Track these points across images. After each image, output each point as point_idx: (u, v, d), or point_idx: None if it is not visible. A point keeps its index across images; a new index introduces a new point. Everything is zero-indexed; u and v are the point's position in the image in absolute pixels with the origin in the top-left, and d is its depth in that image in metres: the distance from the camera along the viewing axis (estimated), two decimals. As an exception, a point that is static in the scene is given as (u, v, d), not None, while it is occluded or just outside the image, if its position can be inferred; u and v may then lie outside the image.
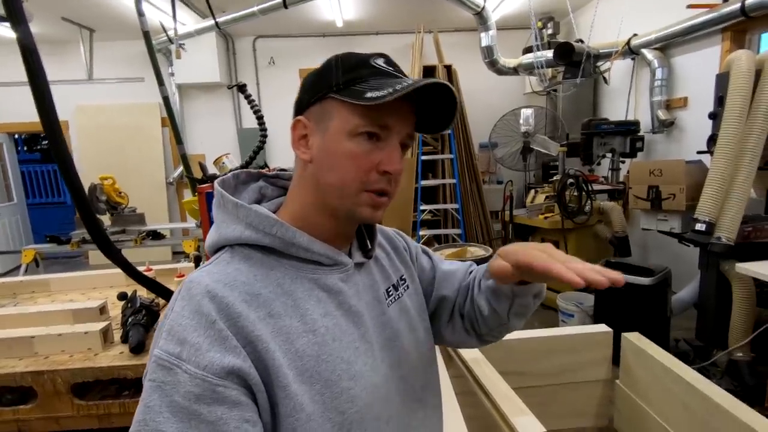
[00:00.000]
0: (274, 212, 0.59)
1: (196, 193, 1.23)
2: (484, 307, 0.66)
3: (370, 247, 0.65)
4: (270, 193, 0.64)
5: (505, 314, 0.64)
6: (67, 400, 1.22)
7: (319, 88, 0.54)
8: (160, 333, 0.48)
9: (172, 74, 4.89)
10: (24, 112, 4.87)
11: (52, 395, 1.21)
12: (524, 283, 0.60)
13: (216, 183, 0.58)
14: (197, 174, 1.29)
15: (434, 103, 0.57)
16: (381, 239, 0.70)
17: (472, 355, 1.52)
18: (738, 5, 2.64)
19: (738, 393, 1.31)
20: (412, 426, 0.63)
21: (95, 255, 4.97)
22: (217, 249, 0.57)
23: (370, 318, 0.60)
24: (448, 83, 0.53)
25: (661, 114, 3.44)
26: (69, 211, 6.55)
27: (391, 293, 0.65)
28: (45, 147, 7.58)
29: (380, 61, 0.55)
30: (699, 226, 2.09)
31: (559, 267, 0.46)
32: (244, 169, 0.63)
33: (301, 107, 0.57)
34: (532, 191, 3.96)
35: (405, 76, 0.56)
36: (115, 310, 1.56)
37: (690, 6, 3.07)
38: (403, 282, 0.68)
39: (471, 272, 0.75)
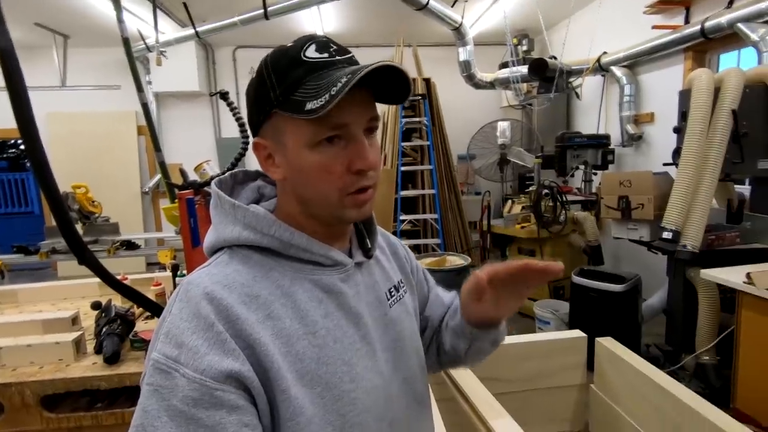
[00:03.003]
0: (272, 212, 0.57)
1: (176, 200, 1.22)
2: (446, 342, 0.71)
3: (370, 246, 0.63)
4: (268, 192, 0.62)
5: (462, 354, 0.69)
6: (36, 413, 1.18)
7: (262, 104, 0.51)
8: (158, 335, 0.47)
9: (150, 82, 4.82)
10: (-9, 119, 4.71)
11: (20, 408, 1.17)
12: (484, 328, 0.65)
13: (213, 183, 0.57)
14: (178, 181, 1.28)
15: (386, 76, 0.51)
16: (381, 241, 0.69)
17: (451, 361, 1.53)
18: (698, 27, 2.80)
19: (706, 395, 1.36)
20: (414, 428, 0.63)
21: (64, 266, 4.79)
22: (216, 250, 0.56)
23: (371, 319, 0.58)
24: (388, 62, 0.48)
25: (630, 128, 3.60)
26: (36, 221, 6.30)
27: (393, 294, 0.64)
28: (12, 155, 7.31)
29: (311, 51, 0.50)
30: (666, 235, 2.18)
31: (533, 262, 0.54)
32: (242, 169, 0.62)
33: (253, 127, 0.55)
34: (509, 201, 4.05)
35: (345, 55, 0.51)
36: (88, 320, 1.51)
37: (655, 27, 3.25)
38: (402, 285, 0.67)
39: (453, 304, 0.77)
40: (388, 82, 0.52)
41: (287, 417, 0.47)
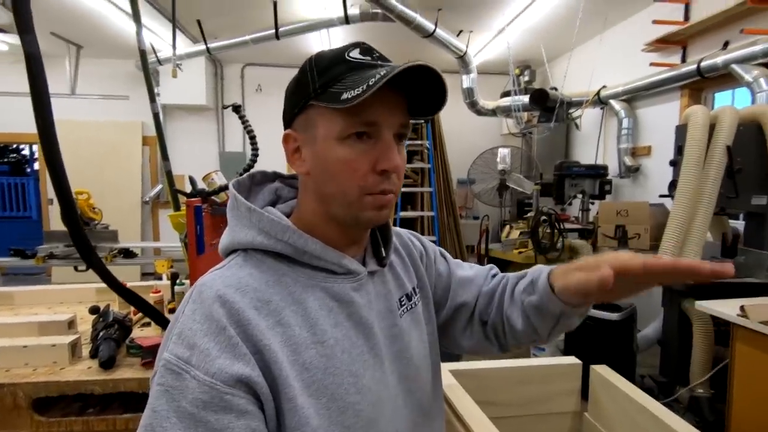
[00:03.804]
0: (289, 214, 0.57)
1: (184, 206, 1.24)
2: (517, 322, 0.64)
3: (384, 254, 0.62)
4: (286, 195, 0.62)
5: (546, 332, 0.62)
6: (27, 416, 1.16)
7: (299, 97, 0.52)
8: (170, 335, 0.47)
9: (158, 94, 4.90)
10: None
11: (11, 410, 1.15)
12: (577, 306, 0.58)
13: (231, 184, 0.57)
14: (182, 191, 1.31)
15: (423, 84, 0.52)
16: (396, 243, 0.67)
17: (447, 381, 1.53)
18: (695, 66, 2.90)
19: (700, 428, 1.36)
20: None
21: (59, 272, 4.76)
22: (230, 252, 0.56)
23: (380, 329, 0.57)
24: (428, 64, 0.49)
25: (628, 160, 3.67)
26: (34, 226, 6.29)
27: (404, 303, 0.63)
28: (13, 160, 7.35)
29: (355, 53, 0.52)
30: (662, 265, 2.20)
31: (687, 261, 0.47)
32: (260, 170, 0.62)
33: (287, 120, 0.55)
34: (507, 227, 4.08)
35: (386, 62, 0.53)
36: (84, 325, 1.51)
37: (653, 64, 3.36)
38: (416, 292, 0.66)
39: (494, 276, 0.73)
40: (423, 91, 0.53)
41: (292, 426, 0.47)
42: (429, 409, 0.64)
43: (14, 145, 6.98)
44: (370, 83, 0.46)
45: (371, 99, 0.47)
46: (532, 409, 1.76)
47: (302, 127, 0.54)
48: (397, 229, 0.72)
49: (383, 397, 0.55)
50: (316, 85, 0.51)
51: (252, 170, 0.62)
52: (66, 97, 4.68)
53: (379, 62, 0.52)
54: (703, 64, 2.84)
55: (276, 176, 0.63)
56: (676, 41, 3.21)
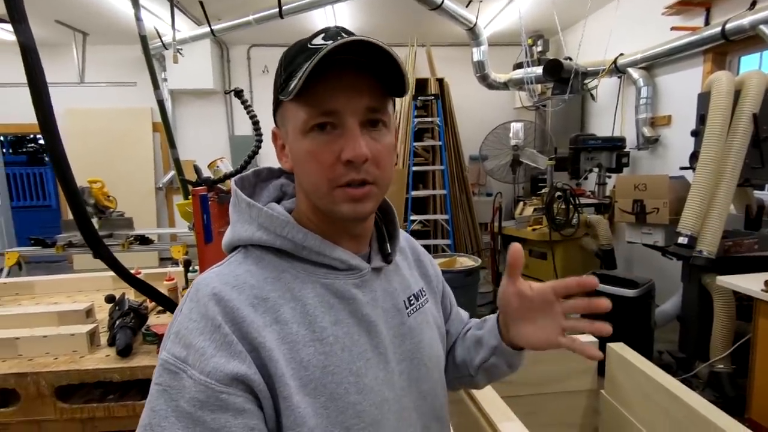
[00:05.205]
0: (293, 211, 0.56)
1: (190, 196, 1.24)
2: (458, 355, 0.69)
3: (390, 250, 0.60)
4: (291, 191, 0.60)
5: (475, 367, 0.66)
6: (51, 403, 1.20)
7: (275, 93, 0.52)
8: (169, 334, 0.47)
9: (165, 80, 4.88)
10: (11, 114, 4.81)
11: (35, 398, 1.19)
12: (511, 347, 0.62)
13: (233, 181, 0.56)
14: (192, 177, 1.30)
15: (387, 64, 0.48)
16: (404, 245, 0.66)
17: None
18: (719, 29, 2.74)
19: (719, 404, 1.34)
20: None
21: (80, 259, 4.88)
22: (232, 249, 0.55)
23: (386, 328, 0.55)
24: (366, 37, 0.45)
25: (646, 131, 3.54)
26: (54, 215, 6.44)
27: (412, 302, 0.61)
28: (31, 149, 7.48)
29: (318, 39, 0.48)
30: (681, 240, 2.15)
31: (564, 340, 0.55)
32: (266, 166, 0.61)
33: (274, 117, 0.55)
34: (521, 203, 4.02)
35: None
36: (102, 313, 1.54)
37: (674, 28, 3.19)
38: (423, 294, 0.64)
39: (467, 323, 0.75)
40: (388, 71, 0.48)
41: (288, 425, 0.46)
42: (441, 413, 0.62)
43: (31, 135, 7.09)
44: (306, 69, 0.44)
45: (328, 86, 0.45)
46: (548, 388, 1.75)
47: (281, 123, 0.53)
48: (410, 237, 0.72)
49: (389, 399, 0.53)
50: (282, 79, 0.49)
51: (249, 167, 0.61)
52: (75, 85, 4.69)
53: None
54: (728, 26, 2.68)
55: (282, 172, 0.61)
56: (699, 3, 3.04)
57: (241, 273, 0.50)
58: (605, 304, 0.52)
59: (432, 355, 0.61)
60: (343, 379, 0.49)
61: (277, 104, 0.52)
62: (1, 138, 6.06)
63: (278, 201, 0.58)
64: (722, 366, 2.13)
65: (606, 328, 0.52)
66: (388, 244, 0.61)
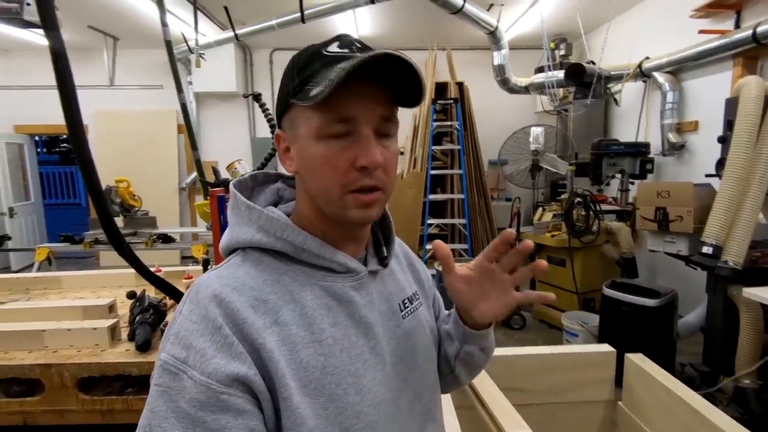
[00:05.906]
0: (290, 215, 0.57)
1: (209, 197, 1.27)
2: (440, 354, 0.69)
3: (386, 254, 0.61)
4: (288, 195, 0.61)
5: (452, 359, 0.67)
6: (73, 394, 1.25)
7: (283, 97, 0.52)
8: (168, 336, 0.47)
9: (191, 83, 5.02)
10: (45, 115, 5.03)
11: (59, 388, 1.24)
12: (475, 330, 0.62)
13: (232, 184, 0.57)
14: (211, 179, 1.33)
15: (403, 74, 0.49)
16: (398, 250, 0.68)
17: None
18: (750, 32, 2.65)
19: (744, 421, 1.29)
20: None
21: (106, 256, 5.05)
22: (231, 251, 0.56)
23: (383, 330, 0.56)
24: (394, 52, 0.46)
25: (672, 137, 3.44)
26: (83, 213, 6.69)
27: (406, 305, 0.62)
28: (64, 149, 7.78)
29: (333, 47, 0.49)
30: (706, 249, 2.08)
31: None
32: (262, 171, 0.62)
33: (278, 120, 0.55)
34: (540, 209, 3.96)
35: (365, 51, 0.49)
36: (124, 308, 1.59)
37: (702, 31, 3.10)
38: (417, 297, 0.65)
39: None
40: (405, 82, 0.50)
41: (288, 426, 0.46)
42: (435, 414, 0.63)
43: (63, 136, 7.38)
44: (331, 77, 0.45)
45: (346, 93, 0.46)
46: (563, 397, 1.72)
47: (288, 126, 0.53)
48: (403, 243, 0.73)
49: (386, 399, 0.54)
50: (295, 83, 0.50)
51: (257, 170, 0.62)
52: (105, 88, 4.87)
53: (357, 54, 0.48)
54: (759, 29, 2.59)
55: (278, 177, 0.63)
56: (730, 5, 2.95)
57: (241, 275, 0.50)
58: (542, 265, 0.56)
59: (426, 357, 0.62)
60: (342, 380, 0.50)
61: (285, 107, 0.52)
62: (36, 138, 6.34)
63: (275, 205, 0.59)
64: (748, 381, 2.05)
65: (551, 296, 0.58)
66: (384, 248, 0.62)
